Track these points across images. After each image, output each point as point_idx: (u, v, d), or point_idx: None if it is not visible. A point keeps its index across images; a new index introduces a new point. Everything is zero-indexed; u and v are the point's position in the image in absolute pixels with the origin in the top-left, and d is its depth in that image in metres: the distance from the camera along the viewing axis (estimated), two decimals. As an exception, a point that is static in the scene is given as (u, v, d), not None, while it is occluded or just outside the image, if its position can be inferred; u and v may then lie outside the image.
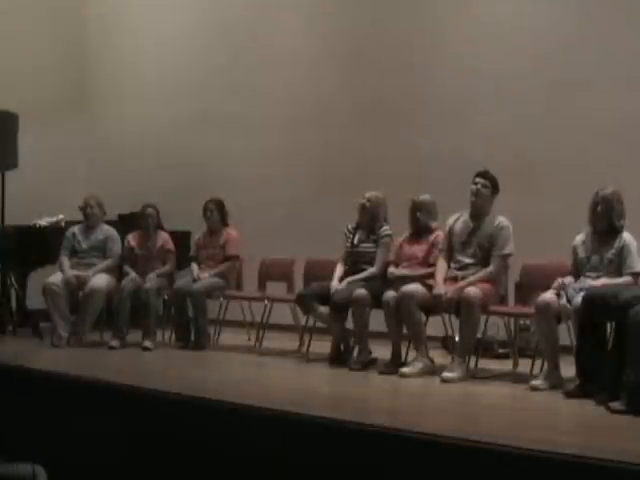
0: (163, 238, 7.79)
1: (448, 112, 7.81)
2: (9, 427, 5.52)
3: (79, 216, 7.87)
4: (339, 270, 6.55)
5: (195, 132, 9.68)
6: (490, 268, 5.86)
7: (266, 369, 6.54)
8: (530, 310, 5.56)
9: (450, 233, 6.08)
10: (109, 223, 7.98)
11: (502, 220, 5.93)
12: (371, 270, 6.41)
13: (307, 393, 5.48)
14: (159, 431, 4.87)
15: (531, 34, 7.40)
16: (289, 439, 4.31)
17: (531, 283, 6.05)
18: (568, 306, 5.21)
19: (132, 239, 7.82)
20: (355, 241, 6.58)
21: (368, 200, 6.53)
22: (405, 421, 4.29)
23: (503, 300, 6.05)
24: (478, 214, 5.99)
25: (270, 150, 9.03)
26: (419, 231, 6.34)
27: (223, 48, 9.59)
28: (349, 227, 6.66)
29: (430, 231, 6.29)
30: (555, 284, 5.36)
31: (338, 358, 6.41)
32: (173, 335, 7.61)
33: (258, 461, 4.33)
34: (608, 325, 4.98)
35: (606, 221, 5.36)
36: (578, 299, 5.10)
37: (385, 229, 6.51)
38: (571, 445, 3.73)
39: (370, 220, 6.55)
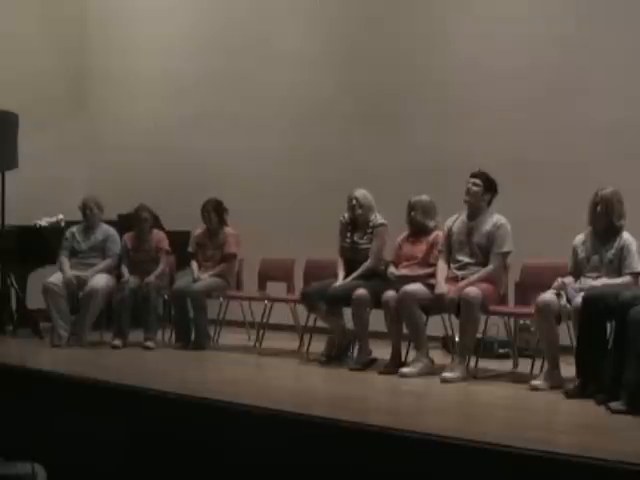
0: (158, 238, 7.77)
1: (448, 113, 7.81)
2: (9, 427, 5.52)
3: (79, 216, 7.87)
4: (341, 268, 6.54)
5: (195, 132, 9.68)
6: (490, 267, 5.87)
7: (266, 369, 6.53)
8: (530, 310, 5.56)
9: (449, 233, 6.09)
10: (109, 223, 7.98)
11: (500, 218, 5.95)
12: (365, 265, 6.41)
13: (307, 393, 5.48)
14: (159, 431, 4.87)
15: (531, 36, 7.40)
16: (289, 439, 4.30)
17: (531, 283, 6.05)
18: (568, 306, 5.22)
19: (128, 240, 7.80)
20: (355, 238, 6.57)
21: (356, 200, 6.51)
22: (405, 421, 4.29)
23: (503, 300, 6.05)
24: (474, 213, 6.00)
25: (270, 150, 9.04)
26: (417, 231, 6.34)
27: (223, 49, 9.59)
28: (345, 216, 6.62)
29: (428, 231, 6.29)
30: (555, 284, 5.36)
31: (333, 356, 6.41)
32: (173, 335, 7.61)
33: (258, 461, 4.33)
34: (608, 325, 4.98)
35: (606, 221, 5.36)
36: (578, 299, 5.11)
37: (378, 218, 6.51)
38: (571, 445, 3.74)
39: (365, 218, 6.53)
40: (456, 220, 6.10)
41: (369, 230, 6.51)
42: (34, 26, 10.28)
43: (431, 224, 6.29)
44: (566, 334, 5.45)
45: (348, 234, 6.59)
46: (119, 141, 10.44)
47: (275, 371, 6.38)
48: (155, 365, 6.70)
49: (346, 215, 6.63)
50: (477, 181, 5.96)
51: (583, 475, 3.42)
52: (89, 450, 5.11)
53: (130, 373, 6.07)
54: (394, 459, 3.91)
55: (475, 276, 5.83)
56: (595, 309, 4.91)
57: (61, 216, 8.78)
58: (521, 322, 6.52)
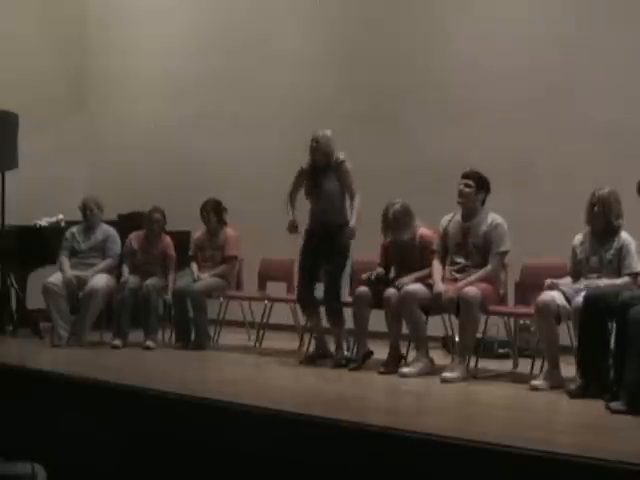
0: (165, 242, 7.76)
1: (448, 113, 7.81)
2: (9, 427, 5.52)
3: (79, 216, 7.87)
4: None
5: (195, 132, 9.68)
6: (489, 267, 5.84)
7: (266, 369, 6.54)
8: (530, 310, 5.56)
9: (444, 234, 6.04)
10: (109, 223, 7.98)
11: (495, 218, 5.89)
12: (356, 203, 6.26)
13: (307, 393, 5.48)
14: (159, 431, 4.87)
15: (531, 36, 7.41)
16: (289, 439, 4.31)
17: (531, 283, 6.04)
18: (567, 306, 5.21)
19: (134, 240, 7.79)
20: (318, 180, 6.38)
21: (317, 141, 6.36)
22: (405, 421, 4.29)
23: (503, 300, 6.04)
24: (469, 214, 5.94)
25: (270, 150, 9.03)
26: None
27: (223, 49, 9.59)
28: (303, 167, 6.50)
29: (409, 239, 6.14)
30: (545, 285, 5.37)
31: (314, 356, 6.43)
32: (173, 335, 7.60)
33: (258, 461, 4.33)
34: (610, 325, 4.96)
35: (604, 221, 5.35)
36: (578, 299, 5.10)
37: (338, 157, 6.34)
38: (571, 445, 3.73)
39: (325, 159, 6.37)
40: (451, 220, 6.05)
41: (331, 169, 6.34)
42: (34, 26, 10.28)
43: (407, 235, 6.14)
44: (566, 334, 5.45)
45: (308, 178, 6.45)
46: (119, 141, 10.44)
47: (275, 371, 6.38)
48: (155, 365, 6.70)
49: (304, 167, 6.48)
50: (469, 182, 5.89)
51: (583, 475, 3.42)
52: (89, 450, 5.11)
53: (130, 373, 6.07)
54: (394, 459, 3.91)
55: (473, 276, 5.81)
56: (596, 309, 4.91)
57: (61, 216, 8.79)
58: (521, 322, 6.52)
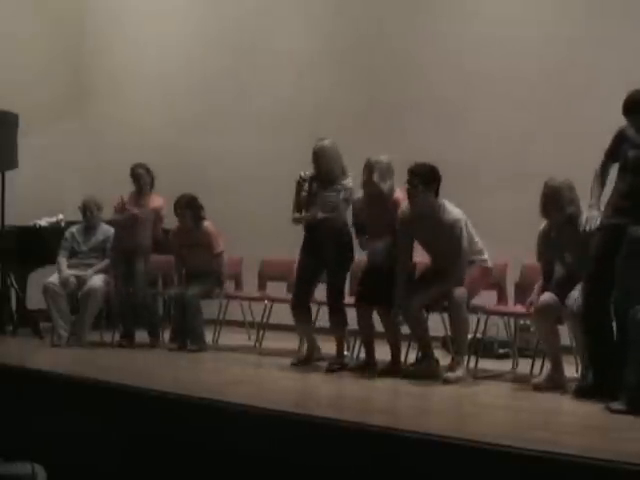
0: (156, 202, 7.61)
1: (448, 114, 7.81)
2: (9, 427, 5.52)
3: (79, 216, 7.87)
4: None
5: (194, 133, 9.68)
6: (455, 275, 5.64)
7: (266, 369, 6.53)
8: (530, 310, 5.55)
9: (410, 223, 5.76)
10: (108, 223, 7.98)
11: (452, 214, 5.63)
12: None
13: (307, 393, 5.48)
14: (158, 432, 4.87)
15: (533, 38, 7.41)
16: (289, 440, 4.30)
17: (531, 283, 6.02)
18: (565, 309, 5.21)
19: (127, 198, 7.65)
20: (320, 191, 6.16)
21: (316, 154, 6.15)
22: (406, 421, 4.29)
23: (502, 297, 6.02)
24: (424, 211, 5.69)
25: (269, 150, 9.03)
26: (374, 195, 5.96)
27: (224, 49, 9.60)
28: (303, 175, 6.27)
29: (384, 196, 5.90)
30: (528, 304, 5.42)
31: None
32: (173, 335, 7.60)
33: (258, 462, 4.33)
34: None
35: (558, 213, 5.26)
36: (574, 294, 5.09)
37: (346, 184, 6.13)
38: (571, 445, 3.73)
39: (327, 170, 6.15)
40: (413, 214, 5.76)
41: (334, 186, 6.11)
42: (34, 26, 10.28)
43: (386, 187, 5.87)
44: (566, 334, 5.45)
45: (306, 185, 6.23)
46: (119, 141, 10.43)
47: (275, 371, 6.37)
48: (155, 365, 6.70)
49: (304, 173, 6.25)
50: (413, 180, 5.64)
51: (583, 475, 3.42)
52: (89, 450, 5.11)
53: (130, 373, 6.07)
54: (394, 459, 3.91)
55: (441, 287, 5.62)
56: (597, 310, 4.88)
57: (61, 216, 8.79)
58: (521, 322, 6.52)
